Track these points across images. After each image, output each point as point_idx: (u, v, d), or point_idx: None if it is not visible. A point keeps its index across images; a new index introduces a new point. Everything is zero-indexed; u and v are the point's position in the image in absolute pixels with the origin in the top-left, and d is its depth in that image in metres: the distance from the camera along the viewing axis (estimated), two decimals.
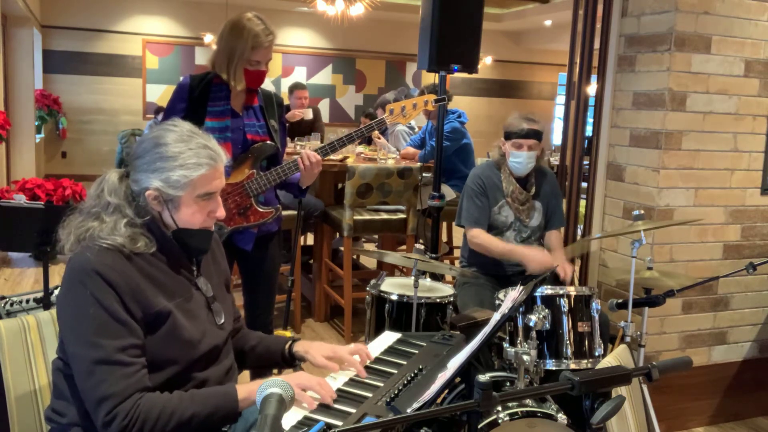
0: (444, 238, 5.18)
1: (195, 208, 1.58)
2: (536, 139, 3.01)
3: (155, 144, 1.56)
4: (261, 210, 2.58)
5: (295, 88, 6.18)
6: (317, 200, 4.47)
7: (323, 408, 1.52)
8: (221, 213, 1.64)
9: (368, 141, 6.15)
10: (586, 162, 3.44)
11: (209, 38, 8.82)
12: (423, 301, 2.63)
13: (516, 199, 3.06)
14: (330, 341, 4.23)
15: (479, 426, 1.84)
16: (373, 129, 2.70)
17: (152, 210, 1.57)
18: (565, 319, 2.44)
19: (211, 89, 2.57)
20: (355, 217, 4.19)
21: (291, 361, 1.83)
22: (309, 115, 6.17)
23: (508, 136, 3.02)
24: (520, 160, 3.01)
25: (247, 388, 1.54)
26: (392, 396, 1.58)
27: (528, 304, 2.41)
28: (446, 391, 2.06)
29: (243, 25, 2.50)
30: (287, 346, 1.83)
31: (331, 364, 1.75)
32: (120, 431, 1.39)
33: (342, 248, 4.64)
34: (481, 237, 3.01)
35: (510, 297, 1.82)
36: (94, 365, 1.41)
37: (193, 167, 1.54)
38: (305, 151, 2.56)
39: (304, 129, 6.00)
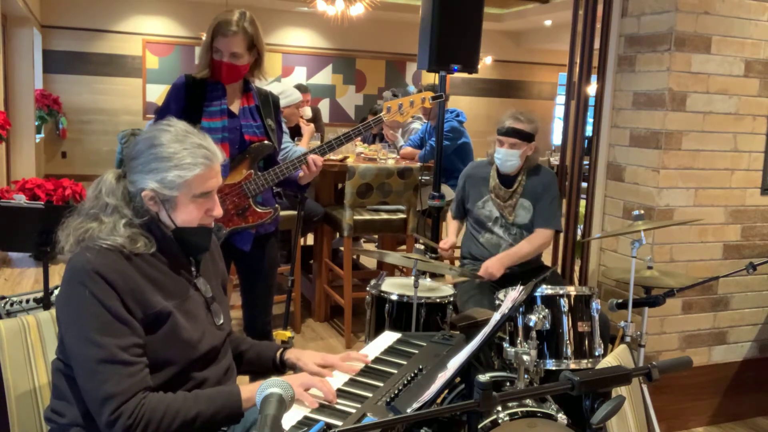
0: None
1: (192, 207, 1.58)
2: (518, 138, 3.01)
3: (150, 145, 1.56)
4: (259, 210, 2.58)
5: (297, 89, 6.17)
6: (317, 204, 4.47)
7: (323, 408, 1.52)
8: (218, 211, 1.64)
9: (372, 140, 6.14)
10: (586, 162, 3.44)
11: (204, 43, 8.76)
12: (423, 301, 2.63)
13: (498, 195, 3.08)
14: (330, 341, 4.23)
15: (479, 426, 1.84)
16: (371, 127, 2.70)
17: (150, 210, 1.57)
18: (565, 319, 2.44)
19: (206, 89, 2.56)
20: (355, 217, 4.19)
21: (282, 369, 1.83)
22: (308, 114, 6.17)
23: (497, 131, 3.08)
24: (499, 156, 3.07)
25: (251, 388, 1.54)
26: (392, 396, 1.58)
27: (528, 304, 2.40)
28: (446, 391, 2.06)
29: (218, 14, 2.52)
30: (278, 353, 1.83)
31: (324, 371, 1.76)
32: (124, 430, 1.39)
33: (342, 248, 4.64)
34: (448, 223, 3.32)
35: (510, 297, 1.82)
36: (97, 364, 1.41)
37: (189, 167, 1.54)
38: (311, 157, 2.55)
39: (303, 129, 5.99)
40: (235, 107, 2.59)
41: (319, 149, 2.59)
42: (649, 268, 2.77)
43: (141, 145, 1.58)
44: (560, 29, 10.64)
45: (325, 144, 2.62)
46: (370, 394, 1.60)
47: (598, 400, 1.22)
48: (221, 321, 1.69)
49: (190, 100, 2.53)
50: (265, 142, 2.61)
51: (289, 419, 1.44)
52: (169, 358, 1.52)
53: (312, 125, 4.93)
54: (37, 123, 8.50)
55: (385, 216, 4.42)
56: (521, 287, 1.87)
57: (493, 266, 2.93)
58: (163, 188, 1.54)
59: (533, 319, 2.31)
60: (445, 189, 4.33)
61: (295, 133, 5.79)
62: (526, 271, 3.06)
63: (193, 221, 1.60)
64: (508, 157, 3.04)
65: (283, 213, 2.73)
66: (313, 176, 2.62)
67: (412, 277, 2.59)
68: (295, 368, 1.83)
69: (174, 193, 1.55)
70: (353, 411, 1.50)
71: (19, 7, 6.86)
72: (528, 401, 1.95)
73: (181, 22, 10.37)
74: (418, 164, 4.35)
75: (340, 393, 1.60)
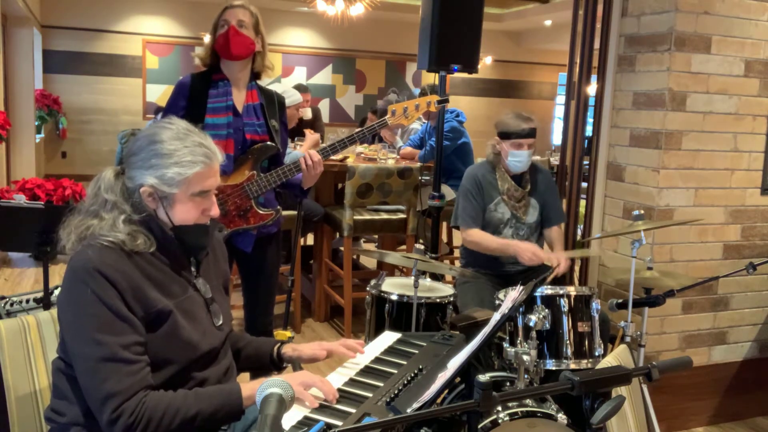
0: (444, 238, 5.19)
1: (189, 205, 1.58)
2: (534, 137, 3.03)
3: (150, 141, 1.56)
4: (261, 212, 2.58)
5: (296, 90, 6.17)
6: (317, 205, 4.47)
7: (323, 408, 1.52)
8: (215, 211, 1.64)
9: (371, 140, 6.13)
10: (586, 162, 3.44)
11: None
12: (423, 301, 2.63)
13: (512, 196, 3.07)
14: (330, 341, 4.22)
15: (479, 426, 1.84)
16: (375, 130, 2.69)
17: (147, 207, 1.57)
18: (565, 319, 2.44)
19: (211, 86, 2.57)
20: (355, 217, 4.19)
21: (279, 363, 1.84)
22: (308, 114, 6.17)
23: (506, 135, 3.02)
24: (521, 158, 3.02)
25: (251, 386, 1.54)
26: (392, 396, 1.58)
27: (528, 304, 2.41)
28: (446, 391, 2.06)
29: None
30: (276, 347, 1.83)
31: (319, 351, 1.80)
32: (125, 429, 1.39)
33: (342, 248, 4.64)
34: (475, 236, 3.03)
35: (510, 297, 1.82)
36: (98, 363, 1.41)
37: (188, 165, 1.54)
38: (308, 150, 2.55)
39: (303, 129, 6.00)
40: (240, 105, 2.60)
41: (322, 152, 2.58)
42: (649, 268, 2.77)
43: (141, 141, 1.58)
44: (560, 29, 10.64)
45: (329, 146, 2.62)
46: (370, 394, 1.60)
47: (598, 400, 1.22)
48: (220, 321, 1.69)
49: (194, 97, 2.54)
50: (268, 143, 2.60)
51: (289, 419, 1.44)
52: (169, 357, 1.52)
53: (317, 135, 4.93)
54: (37, 123, 8.49)
55: (385, 216, 4.42)
56: (521, 287, 1.87)
57: (563, 258, 2.92)
58: (162, 184, 1.54)
59: (533, 319, 2.31)
60: (445, 189, 4.33)
61: (295, 133, 5.80)
62: (527, 271, 3.06)
63: (190, 220, 1.60)
64: (529, 157, 3.03)
65: (283, 213, 2.74)
66: (314, 178, 2.61)
67: (412, 277, 2.59)
68: (292, 362, 1.84)
69: (173, 190, 1.55)
70: (353, 411, 1.50)
71: (19, 7, 6.86)
72: (528, 401, 1.95)
73: (181, 22, 10.37)
74: (418, 164, 4.35)
75: (340, 393, 1.60)
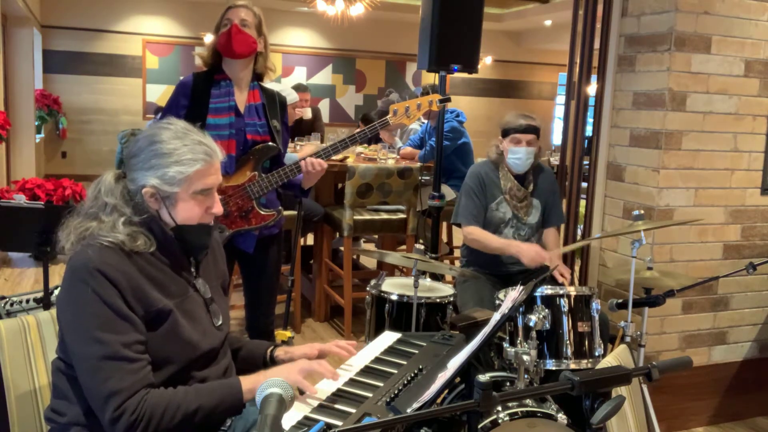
0: (444, 238, 5.18)
1: (192, 203, 1.58)
2: (534, 134, 3.03)
3: (150, 142, 1.57)
4: (263, 213, 2.58)
5: (296, 89, 6.18)
6: (317, 205, 4.47)
7: (323, 408, 1.52)
8: (218, 209, 1.64)
9: (369, 141, 6.14)
10: (586, 162, 3.44)
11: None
12: (423, 301, 2.63)
13: (514, 196, 3.07)
14: (330, 341, 4.22)
15: (479, 426, 1.84)
16: (377, 130, 2.69)
17: (150, 208, 1.57)
18: (565, 319, 2.44)
19: (213, 86, 2.57)
20: (355, 217, 4.19)
21: (272, 366, 1.84)
22: (308, 114, 6.17)
23: (506, 132, 3.04)
24: (520, 155, 3.02)
25: (252, 380, 1.55)
26: (392, 396, 1.59)
27: (528, 304, 2.41)
28: (446, 391, 2.06)
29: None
30: (269, 350, 1.84)
31: (310, 351, 1.80)
32: (128, 427, 1.39)
33: (342, 248, 4.64)
34: (476, 233, 3.03)
35: (510, 297, 1.82)
36: (100, 362, 1.41)
37: (189, 163, 1.55)
38: (310, 159, 2.55)
39: (303, 129, 6.00)
40: (242, 105, 2.60)
41: (323, 152, 2.58)
42: (649, 268, 2.77)
43: (141, 142, 1.58)
44: (560, 29, 10.63)
45: (330, 146, 2.62)
46: (370, 394, 1.60)
47: (598, 400, 1.22)
48: (220, 321, 1.69)
49: (196, 97, 2.54)
50: (270, 143, 2.60)
51: (289, 419, 1.44)
52: (169, 356, 1.53)
53: (314, 146, 4.94)
54: (37, 123, 8.49)
55: (385, 216, 4.42)
56: (521, 287, 1.87)
57: (565, 270, 2.94)
58: (164, 184, 1.54)
59: (533, 319, 2.31)
60: (445, 189, 4.32)
61: (293, 132, 5.79)
62: (527, 271, 3.06)
63: (194, 218, 1.60)
64: (528, 155, 3.02)
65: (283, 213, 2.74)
66: (315, 179, 2.62)
67: (412, 277, 2.59)
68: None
69: (174, 189, 1.55)
70: (353, 411, 1.50)
71: (19, 7, 6.86)
72: (528, 401, 1.95)
73: (181, 22, 10.37)
74: (418, 164, 4.35)
75: (341, 393, 1.60)
